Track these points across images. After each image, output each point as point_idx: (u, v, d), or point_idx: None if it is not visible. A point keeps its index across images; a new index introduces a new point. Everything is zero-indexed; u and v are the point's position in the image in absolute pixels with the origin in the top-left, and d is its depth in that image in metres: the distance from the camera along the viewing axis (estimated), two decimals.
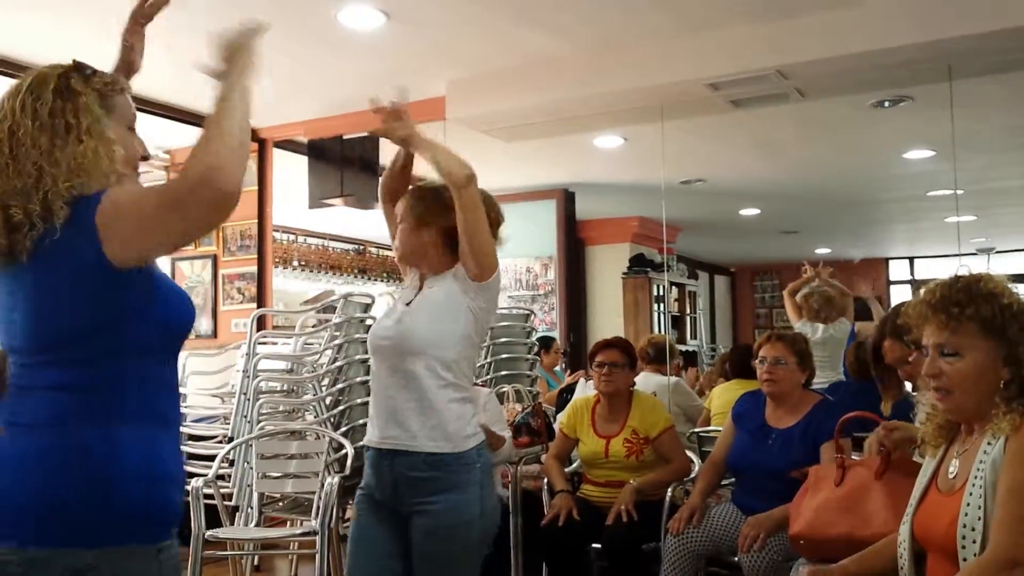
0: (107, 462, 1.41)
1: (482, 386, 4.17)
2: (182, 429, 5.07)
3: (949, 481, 1.79)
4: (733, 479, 3.46)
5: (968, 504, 1.68)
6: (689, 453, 3.78)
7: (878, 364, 3.23)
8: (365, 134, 5.60)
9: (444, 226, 2.34)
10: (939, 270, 10.01)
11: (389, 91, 2.28)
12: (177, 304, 1.55)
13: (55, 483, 1.39)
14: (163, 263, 6.67)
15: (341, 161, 5.75)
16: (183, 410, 5.17)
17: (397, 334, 2.29)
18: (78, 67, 1.54)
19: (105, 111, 1.52)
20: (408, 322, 2.29)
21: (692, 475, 3.58)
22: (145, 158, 1.61)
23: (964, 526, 1.67)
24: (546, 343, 6.64)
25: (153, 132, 5.66)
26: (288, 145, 6.13)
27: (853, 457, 2.89)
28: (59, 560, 1.37)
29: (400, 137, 2.29)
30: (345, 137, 5.74)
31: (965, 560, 1.66)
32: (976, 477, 1.69)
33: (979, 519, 1.65)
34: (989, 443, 1.70)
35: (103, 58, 1.69)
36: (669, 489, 3.47)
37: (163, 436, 1.51)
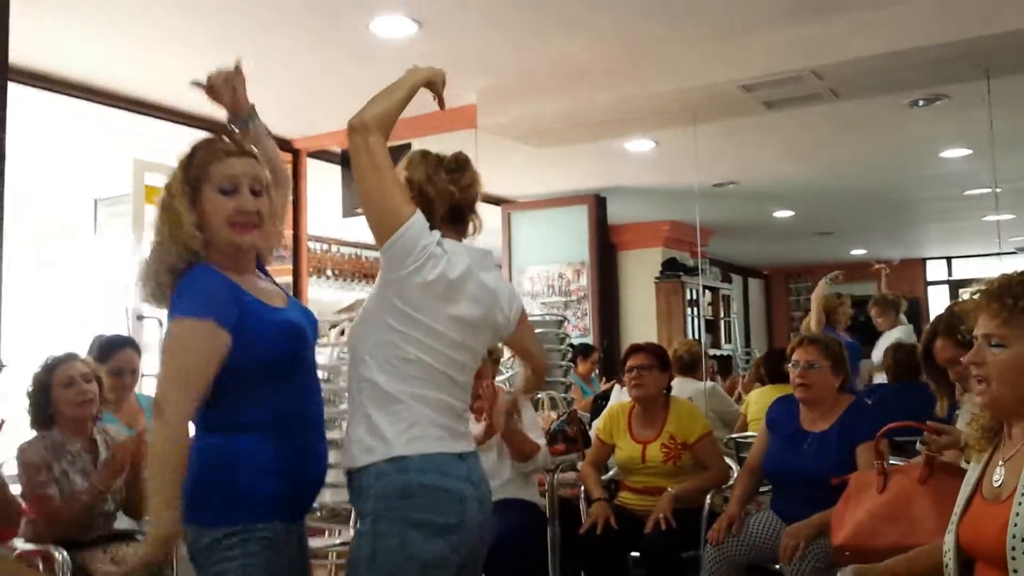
0: (194, 459, 1.76)
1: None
2: None
3: (995, 489, 1.76)
4: (771, 486, 3.43)
5: (1018, 515, 1.65)
6: (727, 459, 3.76)
7: (929, 365, 3.14)
8: (398, 143, 5.61)
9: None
10: (978, 269, 9.87)
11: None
12: (264, 343, 1.84)
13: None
14: None
15: None
16: None
17: None
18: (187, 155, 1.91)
19: (196, 186, 1.86)
20: None
21: (730, 482, 3.55)
22: (244, 211, 1.86)
23: (1014, 536, 1.64)
24: (585, 351, 6.63)
25: (167, 138, 5.73)
26: (322, 155, 6.19)
27: (892, 462, 2.85)
28: (187, 535, 1.79)
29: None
30: None
31: (1016, 572, 1.63)
32: None
33: None
34: None
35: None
36: (708, 497, 3.44)
37: (267, 439, 1.83)
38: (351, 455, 1.89)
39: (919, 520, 2.30)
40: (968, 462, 1.93)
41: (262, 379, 1.84)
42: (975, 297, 1.80)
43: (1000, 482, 1.75)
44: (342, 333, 4.96)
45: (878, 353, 5.44)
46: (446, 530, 1.83)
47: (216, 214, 1.85)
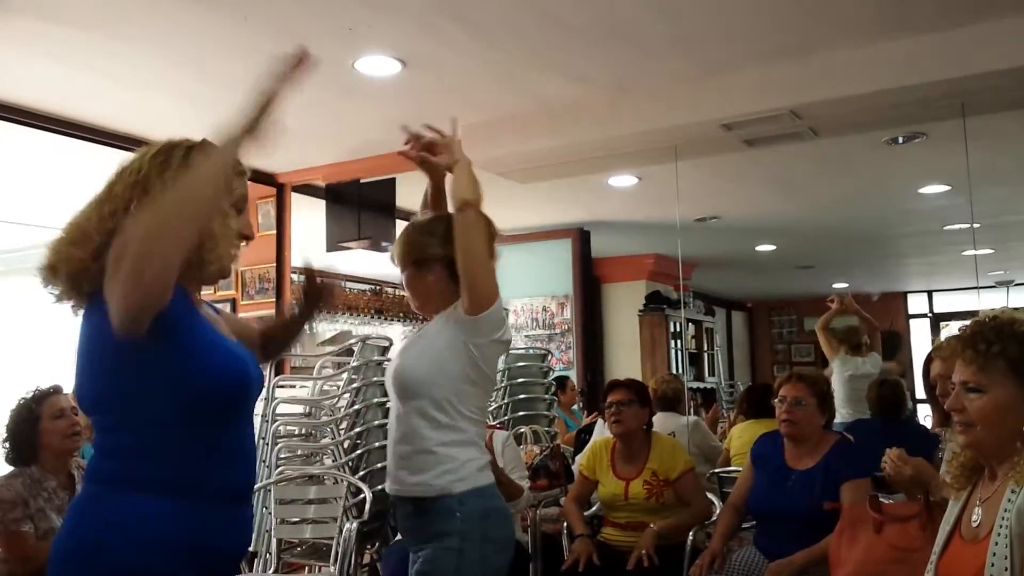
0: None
1: (500, 428, 4.15)
2: None
3: (973, 529, 1.77)
4: (754, 522, 3.42)
5: (994, 554, 1.65)
6: (710, 495, 3.75)
7: (929, 388, 3.14)
8: (382, 178, 5.66)
9: (441, 257, 2.24)
10: (958, 303, 9.96)
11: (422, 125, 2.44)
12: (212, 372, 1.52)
13: None
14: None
15: (358, 204, 5.82)
16: None
17: (391, 375, 2.26)
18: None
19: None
20: (398, 362, 2.25)
21: (713, 518, 3.54)
22: (246, 237, 1.69)
23: None
24: (560, 382, 6.63)
25: None
26: (306, 189, 6.20)
27: (882, 500, 2.85)
28: None
29: (446, 165, 2.39)
30: (362, 181, 5.81)
31: None
32: (1001, 527, 1.67)
33: (1005, 570, 1.63)
34: (1013, 491, 1.68)
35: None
36: (691, 533, 3.43)
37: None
38: (431, 487, 2.13)
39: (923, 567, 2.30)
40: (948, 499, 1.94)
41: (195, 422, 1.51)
42: (951, 342, 1.81)
43: (978, 522, 1.76)
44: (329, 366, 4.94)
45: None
46: (508, 544, 2.22)
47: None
